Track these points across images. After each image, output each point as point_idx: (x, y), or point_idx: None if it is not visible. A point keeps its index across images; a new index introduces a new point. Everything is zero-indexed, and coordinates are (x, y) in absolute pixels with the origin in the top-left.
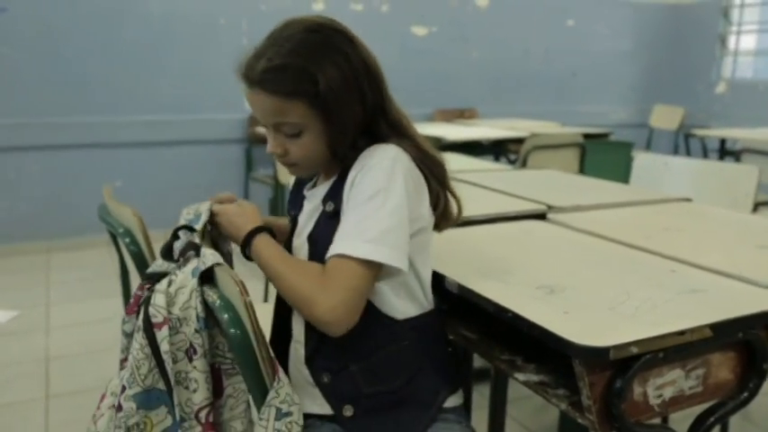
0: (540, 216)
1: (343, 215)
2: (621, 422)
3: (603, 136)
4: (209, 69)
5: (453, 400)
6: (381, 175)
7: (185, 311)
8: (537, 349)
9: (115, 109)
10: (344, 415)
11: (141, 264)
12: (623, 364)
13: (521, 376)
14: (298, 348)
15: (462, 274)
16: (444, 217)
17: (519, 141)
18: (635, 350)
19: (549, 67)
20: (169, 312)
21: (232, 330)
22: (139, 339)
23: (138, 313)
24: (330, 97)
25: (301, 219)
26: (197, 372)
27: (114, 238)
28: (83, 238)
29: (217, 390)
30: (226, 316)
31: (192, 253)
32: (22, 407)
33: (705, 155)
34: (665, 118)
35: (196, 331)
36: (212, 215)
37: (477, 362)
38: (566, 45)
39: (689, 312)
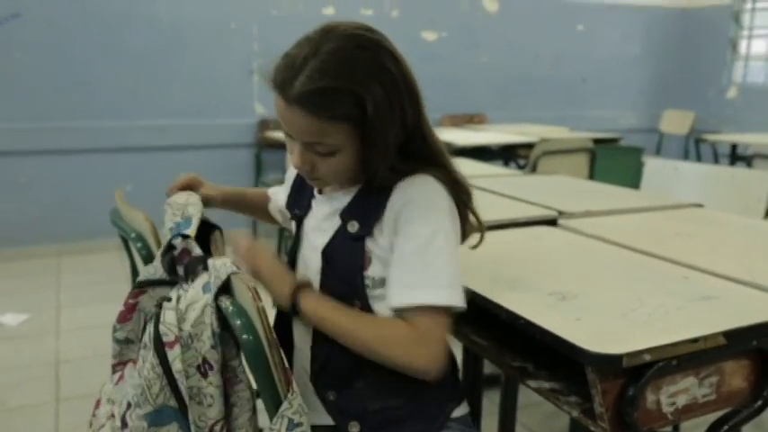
0: (551, 222)
1: (398, 254)
2: (634, 430)
3: (613, 141)
4: (220, 74)
5: (459, 411)
6: (432, 215)
7: (197, 327)
8: (548, 356)
9: (126, 113)
10: (350, 431)
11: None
12: (636, 372)
13: (532, 383)
14: (301, 360)
15: (473, 281)
16: (465, 238)
17: (528, 146)
18: (648, 358)
19: (558, 72)
20: (180, 330)
21: (245, 336)
22: (150, 359)
23: (143, 330)
24: (376, 121)
25: (309, 224)
26: (212, 387)
27: (125, 242)
28: (93, 241)
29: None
30: (238, 322)
31: (200, 267)
32: (32, 410)
33: (716, 160)
34: (676, 123)
35: (212, 347)
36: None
37: (488, 368)
38: (575, 50)
39: (702, 319)
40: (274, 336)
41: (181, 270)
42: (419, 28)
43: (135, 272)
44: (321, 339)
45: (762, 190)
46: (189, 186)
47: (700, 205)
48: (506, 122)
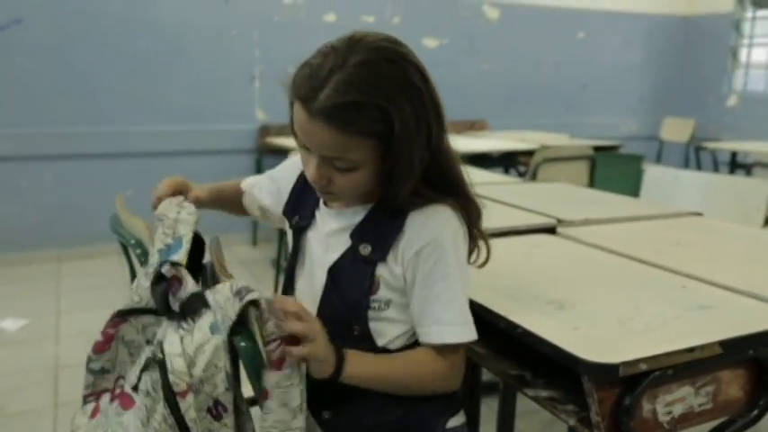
0: (550, 230)
1: (433, 293)
2: None
3: (614, 148)
4: (221, 79)
5: (455, 421)
6: (457, 253)
7: (208, 371)
8: (546, 364)
9: (127, 119)
10: None
11: None
12: (632, 381)
13: (530, 392)
14: None
15: (471, 289)
16: (469, 256)
17: (529, 153)
18: (644, 367)
19: (559, 80)
20: (191, 376)
21: (242, 344)
22: (161, 410)
23: (140, 376)
24: (402, 138)
25: (313, 236)
26: (227, 428)
27: (125, 248)
28: (93, 246)
29: None
30: (243, 344)
31: (199, 306)
32: (31, 415)
33: (716, 168)
34: (676, 130)
35: (226, 390)
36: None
37: (486, 375)
38: (576, 57)
39: (699, 329)
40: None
41: (176, 306)
42: (420, 35)
43: (134, 278)
44: None
45: (761, 198)
46: (177, 192)
47: (699, 214)
48: (507, 129)
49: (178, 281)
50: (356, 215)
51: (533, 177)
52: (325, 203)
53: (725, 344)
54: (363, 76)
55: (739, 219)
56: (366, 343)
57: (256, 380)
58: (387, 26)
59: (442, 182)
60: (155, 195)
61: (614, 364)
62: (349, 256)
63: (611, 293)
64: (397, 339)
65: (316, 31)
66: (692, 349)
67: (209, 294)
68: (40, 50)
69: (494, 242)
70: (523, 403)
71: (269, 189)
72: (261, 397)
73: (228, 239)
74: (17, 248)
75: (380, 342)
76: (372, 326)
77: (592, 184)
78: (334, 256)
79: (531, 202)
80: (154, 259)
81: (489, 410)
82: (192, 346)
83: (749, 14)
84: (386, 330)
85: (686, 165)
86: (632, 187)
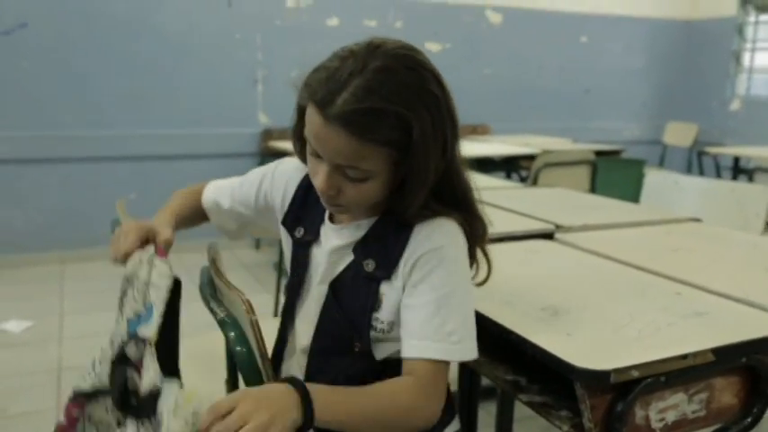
0: (548, 235)
1: (418, 304)
2: None
3: (615, 153)
4: (224, 83)
5: (451, 428)
6: (456, 268)
7: None
8: (541, 370)
9: (130, 122)
10: None
11: None
12: (624, 388)
13: (524, 397)
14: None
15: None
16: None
17: (531, 158)
18: (636, 374)
19: (562, 84)
20: None
21: (238, 348)
22: None
23: None
24: (420, 148)
25: (318, 252)
26: None
27: None
28: (97, 249)
29: None
30: (232, 334)
31: (153, 408)
32: (33, 417)
33: (718, 173)
34: (679, 135)
35: None
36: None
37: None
38: (579, 62)
39: (692, 336)
40: (266, 349)
41: (133, 398)
42: (423, 39)
43: None
44: (315, 368)
45: (761, 205)
46: (144, 241)
47: (698, 220)
48: (509, 134)
49: (140, 366)
50: (359, 229)
51: (534, 182)
52: (330, 218)
53: (718, 351)
54: (383, 82)
55: (739, 225)
56: (366, 360)
57: None
58: (389, 30)
59: (451, 194)
60: (120, 251)
61: (606, 371)
62: (352, 271)
63: (605, 300)
64: (397, 353)
65: (318, 36)
66: (684, 356)
67: (159, 407)
68: (44, 54)
69: (491, 248)
70: (522, 408)
71: (243, 198)
72: None
73: (231, 243)
74: (21, 251)
75: (379, 356)
76: (374, 343)
77: (593, 189)
78: (337, 270)
79: (530, 208)
80: (121, 328)
81: (488, 415)
82: None
83: (752, 19)
84: (387, 347)
85: (689, 169)
86: (634, 192)
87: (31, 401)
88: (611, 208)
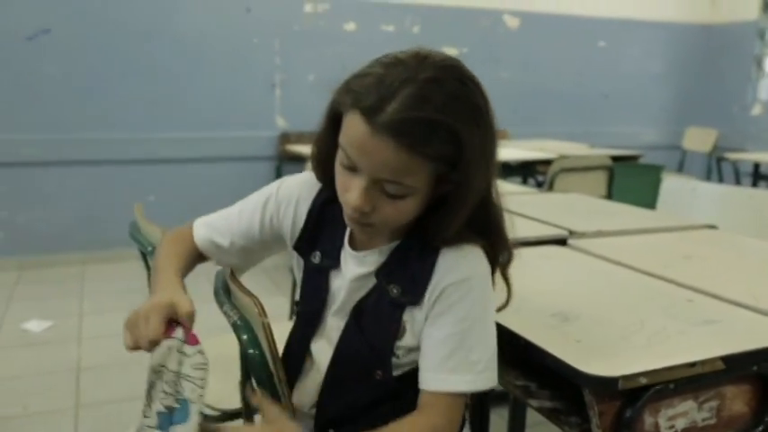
0: (561, 241)
1: (442, 335)
2: None
3: (633, 158)
4: (242, 88)
5: None
6: (483, 298)
7: None
8: (552, 376)
9: (150, 126)
10: None
11: None
12: (633, 395)
13: (534, 402)
14: (301, 397)
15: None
16: None
17: (547, 163)
18: (644, 381)
19: (579, 89)
20: None
21: (250, 351)
22: None
23: None
24: (468, 166)
25: (338, 281)
26: None
27: (144, 255)
28: (116, 251)
29: None
30: (245, 336)
31: None
32: (53, 415)
33: (737, 179)
34: (699, 140)
35: None
36: None
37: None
38: (597, 66)
39: (702, 344)
40: (278, 352)
41: None
42: (440, 44)
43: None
44: (330, 392)
45: None
46: (167, 321)
47: (713, 227)
48: (527, 138)
49: None
50: (382, 255)
51: (550, 187)
52: (350, 242)
53: (728, 359)
54: (436, 93)
55: (756, 232)
56: (384, 387)
57: None
58: (406, 35)
59: (483, 220)
60: (144, 338)
61: (614, 378)
62: (375, 296)
63: (616, 306)
64: (411, 371)
65: (336, 40)
66: (693, 364)
67: None
68: (66, 59)
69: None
70: (534, 414)
71: (245, 230)
72: None
73: None
74: (42, 252)
75: (395, 374)
76: (395, 372)
77: (610, 194)
78: (359, 296)
79: (545, 213)
80: (150, 422)
81: (500, 419)
82: None
83: None
84: (402, 368)
85: (708, 175)
86: (651, 198)
87: (50, 400)
88: (625, 214)
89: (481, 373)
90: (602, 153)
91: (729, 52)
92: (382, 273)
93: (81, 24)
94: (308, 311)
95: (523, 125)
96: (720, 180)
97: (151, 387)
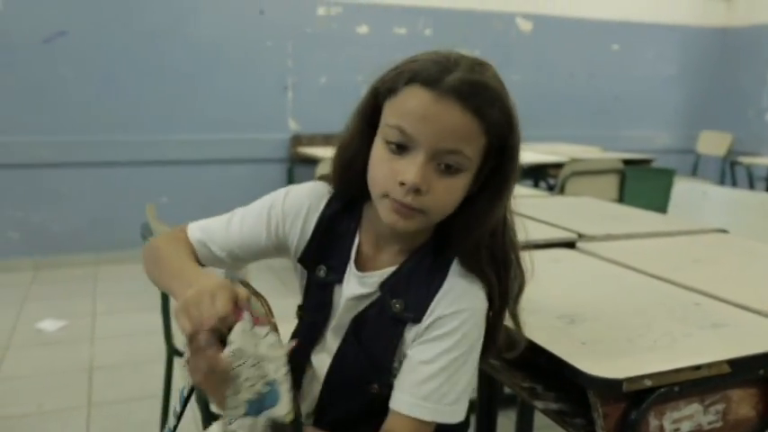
0: (570, 244)
1: (424, 359)
2: None
3: (645, 162)
4: (255, 90)
5: None
6: (473, 336)
7: None
8: (559, 378)
9: (163, 128)
10: None
11: None
12: (638, 397)
13: (540, 404)
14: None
15: None
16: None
17: (559, 166)
18: (649, 383)
19: (592, 92)
20: None
21: None
22: None
23: None
24: (513, 155)
25: (338, 293)
26: None
27: None
28: (129, 251)
29: None
30: None
31: None
32: (66, 413)
33: (751, 184)
34: (713, 144)
35: None
36: None
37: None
38: (610, 69)
39: (708, 347)
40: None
41: None
42: (452, 46)
43: None
44: (327, 402)
45: None
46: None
47: (724, 231)
48: (539, 141)
49: None
50: (382, 277)
51: (561, 191)
52: (355, 260)
53: (734, 363)
54: (488, 69)
55: (767, 237)
56: (380, 399)
57: None
58: (419, 38)
59: (499, 249)
60: (214, 316)
61: (618, 380)
62: (377, 309)
63: (623, 309)
64: None
65: (348, 43)
66: (698, 367)
67: None
68: (82, 62)
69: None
70: (542, 417)
71: (246, 236)
72: None
73: None
74: (57, 252)
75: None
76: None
77: (621, 198)
78: (358, 309)
79: (555, 216)
80: (237, 411)
81: (509, 421)
82: None
83: None
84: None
85: (722, 179)
86: (662, 202)
87: (64, 398)
88: (635, 218)
89: (451, 405)
90: (614, 157)
91: (745, 55)
92: (387, 285)
93: (97, 27)
94: (310, 323)
95: (536, 128)
96: (734, 184)
97: (236, 377)
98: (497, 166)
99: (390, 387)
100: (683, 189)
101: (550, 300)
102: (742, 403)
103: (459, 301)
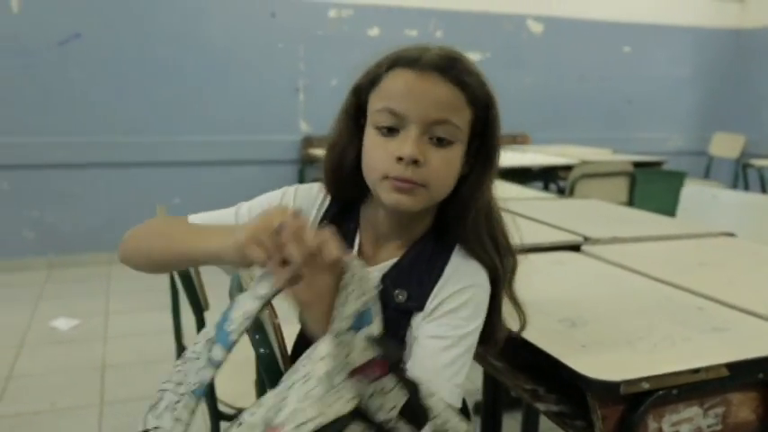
0: (576, 247)
1: (424, 332)
2: None
3: (656, 164)
4: (267, 92)
5: None
6: (475, 314)
7: None
8: (561, 380)
9: (176, 130)
10: None
11: (188, 283)
12: (636, 399)
13: (541, 406)
14: None
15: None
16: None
17: (569, 168)
18: (646, 386)
19: (604, 94)
20: None
21: (261, 350)
22: None
23: None
24: (491, 134)
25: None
26: None
27: None
28: None
29: None
30: (256, 336)
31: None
32: (78, 411)
33: (763, 186)
34: (726, 146)
35: None
36: None
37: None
38: (622, 71)
39: (708, 351)
40: (287, 352)
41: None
42: (463, 48)
43: (173, 284)
44: None
45: None
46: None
47: (731, 234)
48: (550, 143)
49: (379, 367)
50: (380, 272)
51: (571, 193)
52: (363, 254)
53: (733, 366)
54: (464, 56)
55: None
56: None
57: None
58: (430, 40)
59: (495, 232)
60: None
61: (616, 382)
62: (380, 302)
63: (624, 313)
64: None
65: (359, 46)
66: (697, 370)
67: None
68: (96, 64)
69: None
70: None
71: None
72: None
73: None
74: (72, 251)
75: None
76: None
77: (631, 201)
78: None
79: (562, 219)
80: (344, 324)
81: (516, 423)
82: None
83: None
84: None
85: (735, 181)
86: (672, 205)
87: (77, 396)
88: (643, 221)
89: (457, 388)
90: (624, 159)
91: (759, 57)
92: (389, 277)
93: (111, 30)
94: None
95: (546, 130)
96: (746, 187)
97: (345, 285)
98: (482, 144)
99: None
100: (693, 192)
101: (552, 303)
102: (742, 407)
103: (463, 280)
